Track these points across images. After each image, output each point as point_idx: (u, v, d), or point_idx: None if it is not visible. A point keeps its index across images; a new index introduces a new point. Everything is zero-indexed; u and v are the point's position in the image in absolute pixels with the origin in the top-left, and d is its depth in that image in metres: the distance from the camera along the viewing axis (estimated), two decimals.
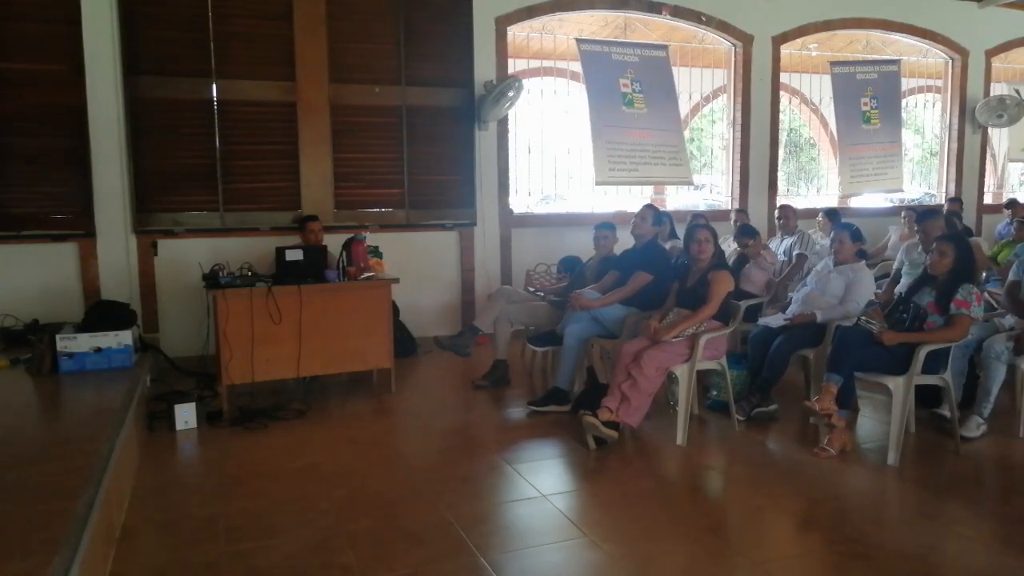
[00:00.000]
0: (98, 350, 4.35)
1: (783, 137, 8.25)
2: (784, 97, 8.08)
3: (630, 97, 6.84)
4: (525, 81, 6.42)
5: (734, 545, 2.91)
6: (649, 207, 4.94)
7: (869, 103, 8.00)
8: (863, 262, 4.56)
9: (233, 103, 5.69)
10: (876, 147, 8.03)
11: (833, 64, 7.97)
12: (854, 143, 7.96)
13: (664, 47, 7.08)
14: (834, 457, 3.70)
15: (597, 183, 6.87)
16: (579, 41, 6.79)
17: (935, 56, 8.59)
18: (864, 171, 8.00)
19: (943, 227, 4.81)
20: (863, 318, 3.84)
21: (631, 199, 7.66)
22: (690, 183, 7.52)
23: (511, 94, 6.09)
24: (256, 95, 5.76)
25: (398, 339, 5.39)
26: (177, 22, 5.51)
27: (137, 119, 5.47)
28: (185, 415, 4.17)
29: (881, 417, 4.31)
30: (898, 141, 8.17)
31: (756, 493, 3.39)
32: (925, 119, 10.23)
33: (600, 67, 6.79)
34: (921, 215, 5.06)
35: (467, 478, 3.53)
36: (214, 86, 5.63)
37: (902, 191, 8.50)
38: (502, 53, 6.48)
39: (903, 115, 8.49)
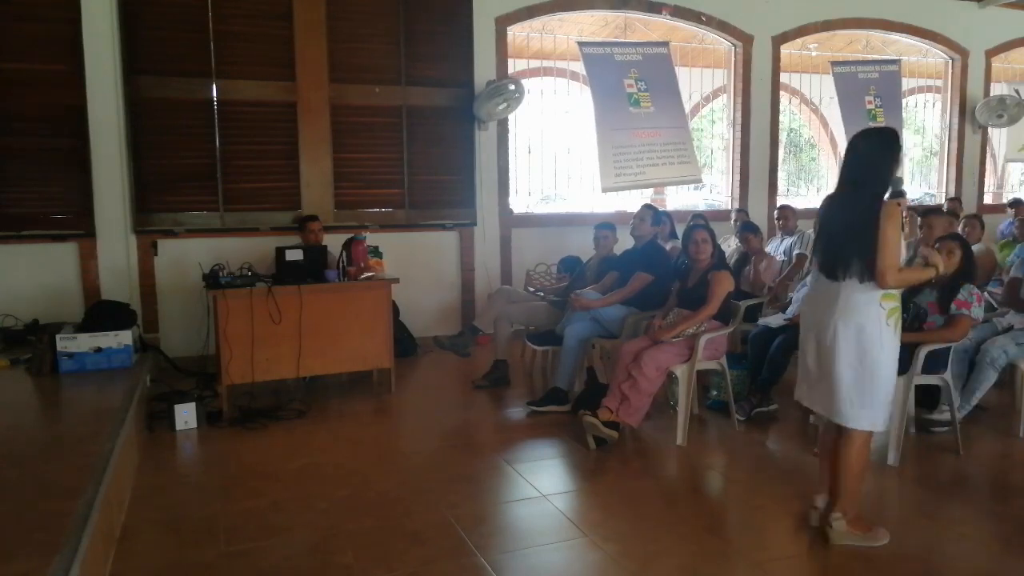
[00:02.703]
0: (98, 350, 4.36)
1: (783, 137, 8.25)
2: (784, 97, 8.07)
3: (636, 97, 6.79)
4: (525, 81, 6.41)
5: (734, 545, 2.92)
6: (648, 207, 4.95)
7: (874, 101, 7.98)
8: None
9: (233, 103, 5.69)
10: None
11: (834, 64, 7.96)
12: None
13: (665, 44, 7.07)
14: None
15: (604, 190, 6.79)
16: (580, 44, 6.75)
17: (935, 56, 8.59)
18: None
19: (947, 227, 4.81)
20: None
21: (631, 200, 7.65)
22: (698, 181, 7.36)
23: (511, 94, 6.07)
24: (256, 95, 5.75)
25: (398, 339, 5.40)
26: (177, 22, 5.51)
27: (137, 119, 5.47)
28: (185, 415, 4.17)
29: None
30: None
31: (756, 493, 3.39)
32: (925, 119, 10.22)
33: (604, 69, 6.74)
34: (927, 211, 5.03)
35: (467, 478, 3.53)
36: (214, 86, 5.63)
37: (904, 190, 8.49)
38: (502, 53, 6.47)
39: (903, 115, 8.48)
